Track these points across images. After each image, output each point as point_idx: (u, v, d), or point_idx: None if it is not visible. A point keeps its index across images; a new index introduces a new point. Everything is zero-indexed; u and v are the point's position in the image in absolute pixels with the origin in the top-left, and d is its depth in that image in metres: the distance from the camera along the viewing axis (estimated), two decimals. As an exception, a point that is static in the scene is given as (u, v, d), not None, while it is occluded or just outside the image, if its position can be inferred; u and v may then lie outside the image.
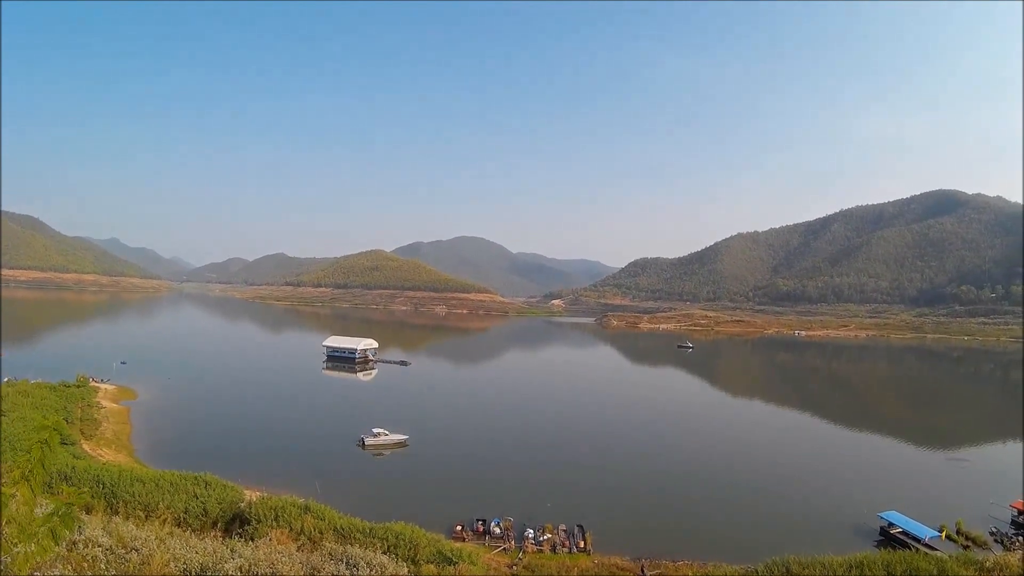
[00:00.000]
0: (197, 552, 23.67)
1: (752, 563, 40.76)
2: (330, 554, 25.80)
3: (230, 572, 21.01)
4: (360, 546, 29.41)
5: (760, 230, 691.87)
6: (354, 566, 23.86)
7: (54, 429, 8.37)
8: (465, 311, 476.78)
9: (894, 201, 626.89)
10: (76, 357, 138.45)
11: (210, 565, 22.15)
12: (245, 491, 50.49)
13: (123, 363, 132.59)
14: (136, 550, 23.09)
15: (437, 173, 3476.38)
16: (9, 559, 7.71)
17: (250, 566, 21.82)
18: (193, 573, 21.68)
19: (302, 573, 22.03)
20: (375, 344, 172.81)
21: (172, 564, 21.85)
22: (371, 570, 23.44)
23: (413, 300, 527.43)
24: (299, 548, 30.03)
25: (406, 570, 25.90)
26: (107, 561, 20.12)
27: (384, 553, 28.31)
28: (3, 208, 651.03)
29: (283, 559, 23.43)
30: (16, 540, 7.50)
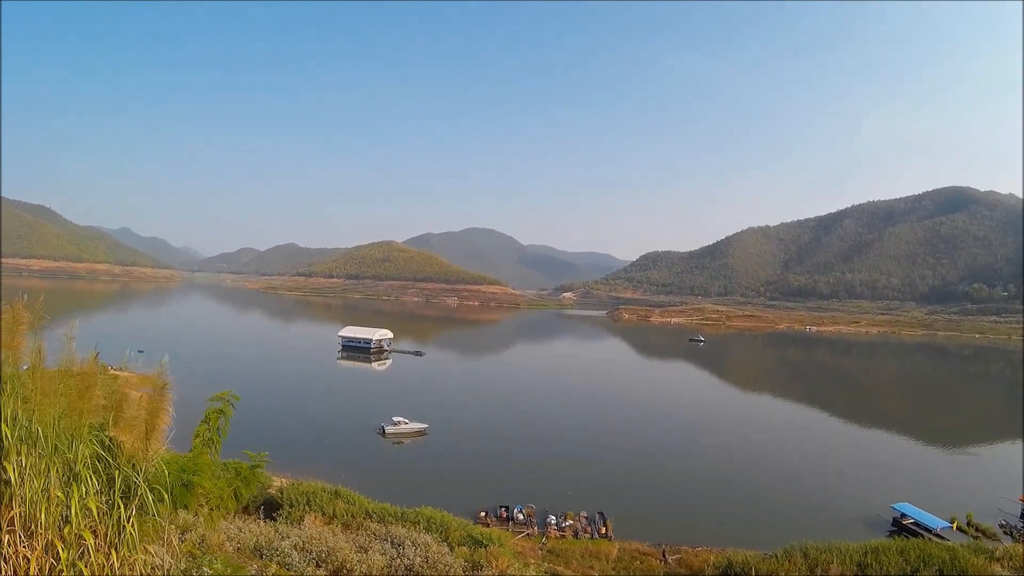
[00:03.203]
0: (246, 533, 24.99)
1: (769, 549, 42.07)
2: (374, 534, 27.19)
3: (287, 549, 22.27)
4: (402, 527, 30.79)
5: (771, 224, 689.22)
6: (399, 545, 25.20)
7: (227, 400, 9.64)
8: (476, 303, 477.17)
9: (905, 197, 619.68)
10: (92, 345, 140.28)
11: (264, 544, 23.38)
12: (273, 478, 52.00)
13: (140, 351, 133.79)
14: (189, 530, 24.45)
15: (448, 165, 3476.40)
16: (201, 518, 8.91)
17: (303, 544, 23.11)
18: (248, 551, 23.02)
19: (356, 551, 23.31)
20: (390, 334, 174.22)
21: (227, 544, 23.17)
22: (416, 549, 24.75)
23: (424, 292, 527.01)
24: (344, 530, 31.39)
25: (447, 549, 27.21)
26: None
27: (426, 532, 29.68)
28: (16, 198, 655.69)
29: (331, 538, 24.72)
30: (204, 501, 8.69)
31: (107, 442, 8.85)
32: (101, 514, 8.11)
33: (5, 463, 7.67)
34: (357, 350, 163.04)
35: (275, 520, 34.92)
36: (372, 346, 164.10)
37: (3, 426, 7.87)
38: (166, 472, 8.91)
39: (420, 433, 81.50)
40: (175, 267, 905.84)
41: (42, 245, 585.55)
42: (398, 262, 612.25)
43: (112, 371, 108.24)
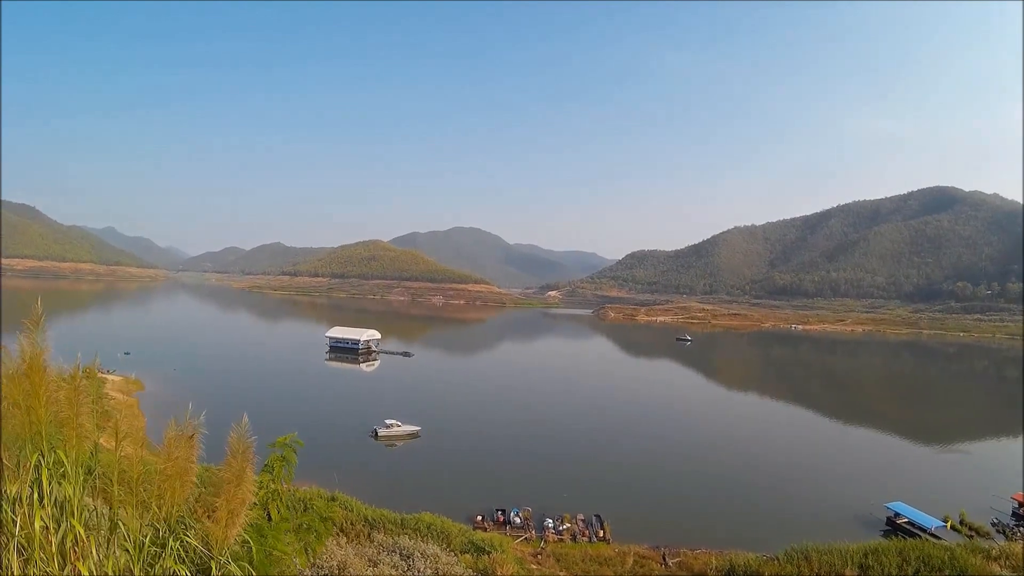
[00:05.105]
0: (252, 543, 24.53)
1: (766, 551, 42.18)
2: (381, 545, 26.86)
3: (298, 563, 21.86)
4: (409, 537, 30.50)
5: (757, 223, 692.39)
6: (408, 557, 24.92)
7: (290, 446, 9.19)
8: (462, 302, 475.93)
9: (891, 197, 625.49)
10: (77, 347, 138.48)
11: (270, 556, 22.94)
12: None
13: (127, 354, 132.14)
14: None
15: (434, 164, 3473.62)
16: None
17: (313, 559, 22.70)
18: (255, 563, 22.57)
19: (367, 565, 22.96)
20: (378, 335, 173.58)
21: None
22: (426, 561, 24.49)
23: (410, 290, 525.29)
24: (349, 541, 31.03)
25: (456, 560, 26.98)
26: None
27: (430, 540, 29.43)
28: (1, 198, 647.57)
29: (339, 552, 24.30)
30: (271, 561, 8.10)
31: (195, 528, 8.07)
32: None
33: (79, 564, 6.44)
34: (345, 351, 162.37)
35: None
36: (360, 347, 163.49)
37: (74, 522, 6.75)
38: (253, 548, 8.19)
39: (413, 436, 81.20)
40: (160, 267, 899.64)
41: (27, 245, 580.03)
42: (384, 261, 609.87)
43: (100, 374, 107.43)
